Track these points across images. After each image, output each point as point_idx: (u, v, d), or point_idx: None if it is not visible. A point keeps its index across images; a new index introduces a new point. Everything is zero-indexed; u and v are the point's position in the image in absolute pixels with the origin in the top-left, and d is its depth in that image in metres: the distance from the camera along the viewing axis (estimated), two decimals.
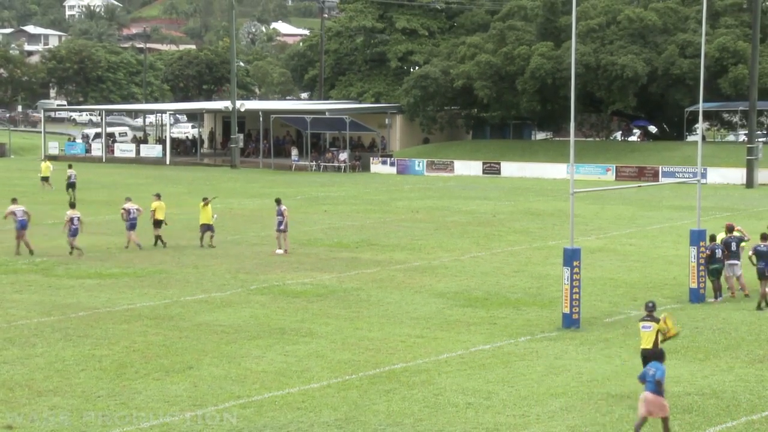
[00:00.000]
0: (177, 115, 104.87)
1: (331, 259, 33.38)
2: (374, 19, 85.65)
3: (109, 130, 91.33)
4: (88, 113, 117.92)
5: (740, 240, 27.15)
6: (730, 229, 27.49)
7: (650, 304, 19.04)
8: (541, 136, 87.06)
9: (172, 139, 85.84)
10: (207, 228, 35.68)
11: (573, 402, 18.16)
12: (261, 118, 76.57)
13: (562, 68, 67.67)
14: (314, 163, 74.31)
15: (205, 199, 36.32)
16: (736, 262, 26.92)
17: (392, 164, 72.58)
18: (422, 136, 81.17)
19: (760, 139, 64.86)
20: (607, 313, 25.39)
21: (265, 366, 20.46)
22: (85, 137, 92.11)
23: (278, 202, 35.43)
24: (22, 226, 34.19)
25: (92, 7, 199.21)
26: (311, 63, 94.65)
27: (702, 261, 26.58)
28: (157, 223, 35.97)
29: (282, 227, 34.63)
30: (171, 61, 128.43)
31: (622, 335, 23.02)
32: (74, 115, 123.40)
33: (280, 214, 34.70)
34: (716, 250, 26.69)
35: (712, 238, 27.10)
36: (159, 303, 26.49)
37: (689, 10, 71.34)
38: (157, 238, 35.95)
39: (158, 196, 36.68)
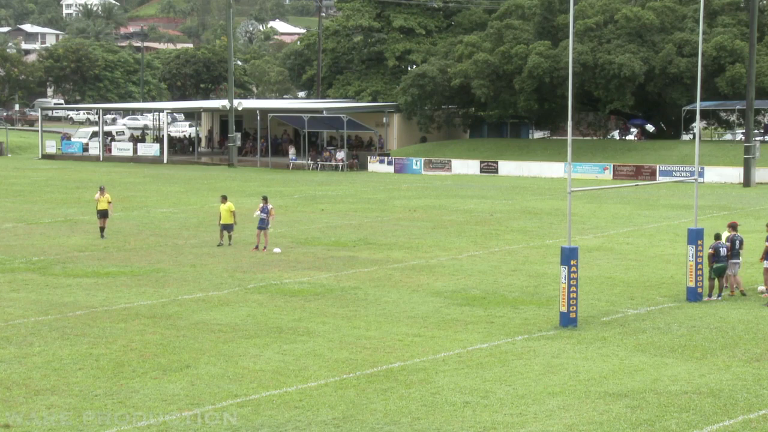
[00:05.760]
0: (174, 114, 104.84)
1: (328, 258, 33.36)
2: (371, 18, 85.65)
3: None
4: (85, 112, 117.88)
5: (741, 240, 27.17)
6: (734, 227, 27.47)
7: None
8: (538, 134, 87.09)
9: (170, 138, 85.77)
10: (226, 227, 35.61)
11: (570, 401, 18.16)
12: (258, 117, 76.53)
13: (559, 67, 67.73)
14: (312, 161, 74.29)
15: (223, 197, 36.17)
16: (737, 261, 26.96)
17: (390, 163, 72.56)
18: (420, 134, 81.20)
19: (757, 138, 64.91)
20: (604, 311, 25.39)
21: (262, 365, 20.45)
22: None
23: (265, 199, 35.76)
24: None
25: (89, 6, 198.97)
26: (309, 62, 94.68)
27: (705, 258, 26.57)
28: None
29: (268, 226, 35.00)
30: (168, 59, 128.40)
31: (619, 334, 23.02)
32: (71, 113, 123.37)
33: (266, 211, 35.02)
34: (720, 249, 26.64)
35: (717, 237, 27.08)
36: (156, 302, 26.47)
37: (686, 9, 71.37)
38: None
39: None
